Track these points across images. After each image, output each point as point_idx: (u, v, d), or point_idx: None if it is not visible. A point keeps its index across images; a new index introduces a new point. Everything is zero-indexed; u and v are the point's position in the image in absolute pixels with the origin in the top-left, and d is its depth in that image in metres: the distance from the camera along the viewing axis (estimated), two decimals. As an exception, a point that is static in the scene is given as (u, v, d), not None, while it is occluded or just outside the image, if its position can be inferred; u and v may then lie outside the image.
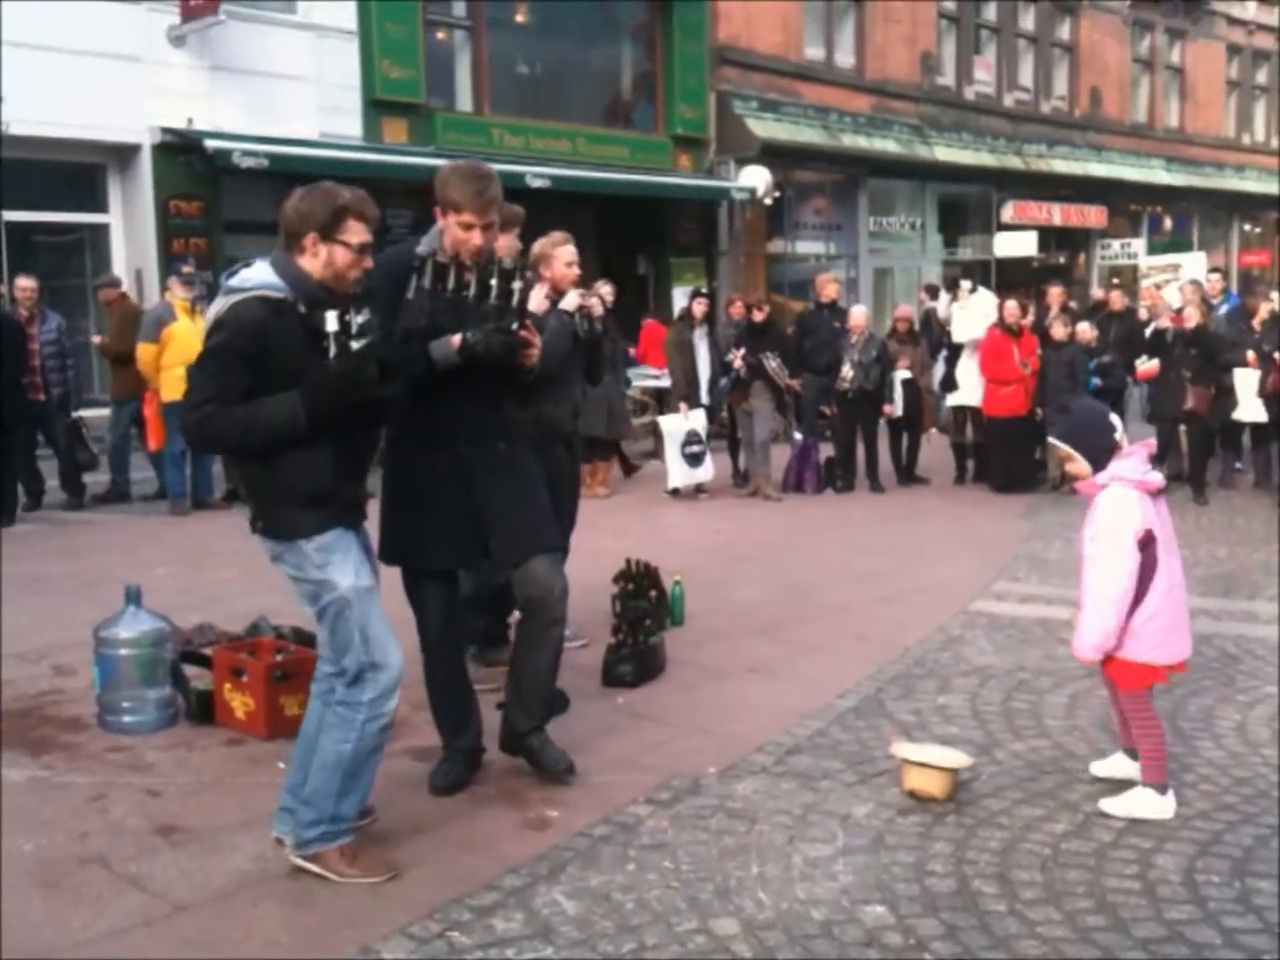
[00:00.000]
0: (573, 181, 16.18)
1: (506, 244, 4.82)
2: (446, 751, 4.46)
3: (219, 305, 3.57)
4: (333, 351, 3.48)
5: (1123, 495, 4.10)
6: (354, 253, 3.57)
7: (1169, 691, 5.36)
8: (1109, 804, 4.14)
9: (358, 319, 3.51)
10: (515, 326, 4.10)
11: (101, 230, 14.49)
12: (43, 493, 10.57)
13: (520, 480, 4.35)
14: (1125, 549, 4.05)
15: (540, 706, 4.46)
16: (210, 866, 3.77)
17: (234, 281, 3.56)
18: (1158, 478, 4.13)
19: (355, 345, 3.49)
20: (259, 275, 3.55)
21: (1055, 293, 12.77)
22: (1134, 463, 4.13)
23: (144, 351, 10.28)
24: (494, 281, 4.06)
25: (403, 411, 3.87)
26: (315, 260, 3.56)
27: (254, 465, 3.65)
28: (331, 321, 3.48)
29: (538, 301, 4.81)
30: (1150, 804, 4.10)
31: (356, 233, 3.57)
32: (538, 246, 5.88)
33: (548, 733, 4.48)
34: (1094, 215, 26.17)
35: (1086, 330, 11.71)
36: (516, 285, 4.12)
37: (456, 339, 4.02)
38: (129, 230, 14.37)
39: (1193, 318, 10.96)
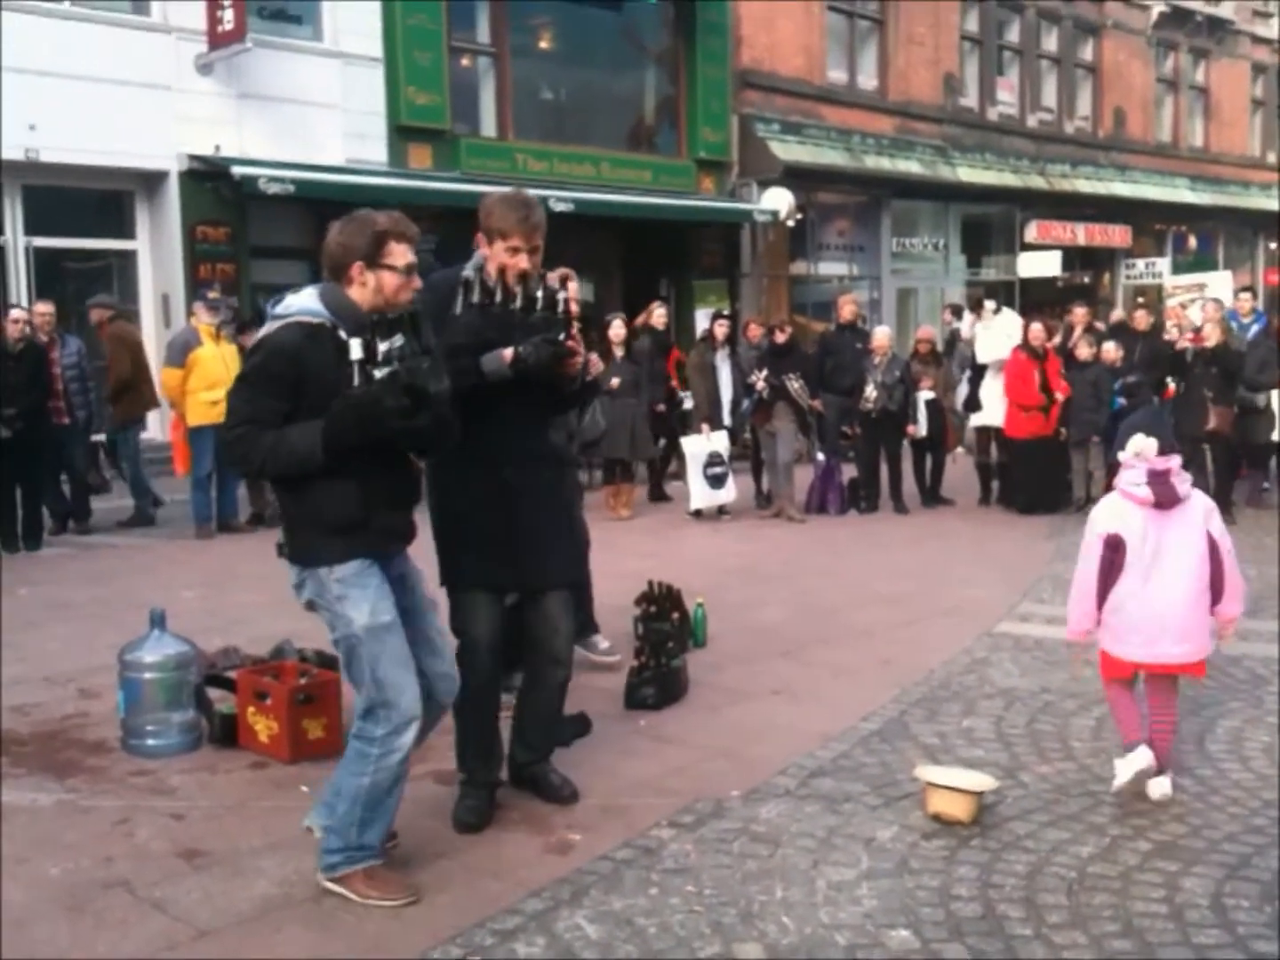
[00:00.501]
0: (595, 205, 16.26)
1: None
2: (469, 786, 4.34)
3: (260, 331, 3.64)
4: (356, 379, 3.45)
5: (1106, 501, 4.62)
6: (401, 274, 3.60)
7: (1196, 714, 5.33)
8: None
9: (383, 345, 3.47)
10: (562, 336, 4.13)
11: (129, 256, 14.66)
12: (68, 516, 10.64)
13: (555, 510, 4.37)
14: (1089, 545, 4.53)
15: (540, 741, 4.48)
16: (234, 890, 3.78)
17: (278, 309, 3.62)
18: (1144, 493, 4.38)
19: (379, 374, 3.45)
20: (300, 302, 3.59)
21: (1080, 313, 12.73)
22: (1131, 475, 4.46)
23: (169, 376, 10.36)
24: (539, 294, 4.12)
25: (453, 440, 3.81)
26: (365, 289, 3.59)
27: (285, 490, 3.69)
28: (356, 349, 3.46)
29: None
30: (1123, 766, 4.40)
31: (400, 255, 3.59)
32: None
33: (551, 762, 4.50)
34: (1118, 235, 26.11)
35: (1111, 350, 11.65)
36: (562, 296, 4.19)
37: (509, 352, 4.06)
38: (156, 256, 14.52)
39: (1213, 336, 10.90)
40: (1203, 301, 13.73)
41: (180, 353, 10.30)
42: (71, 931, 3.53)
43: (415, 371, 3.45)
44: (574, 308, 4.29)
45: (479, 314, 4.13)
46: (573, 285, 4.39)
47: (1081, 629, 4.58)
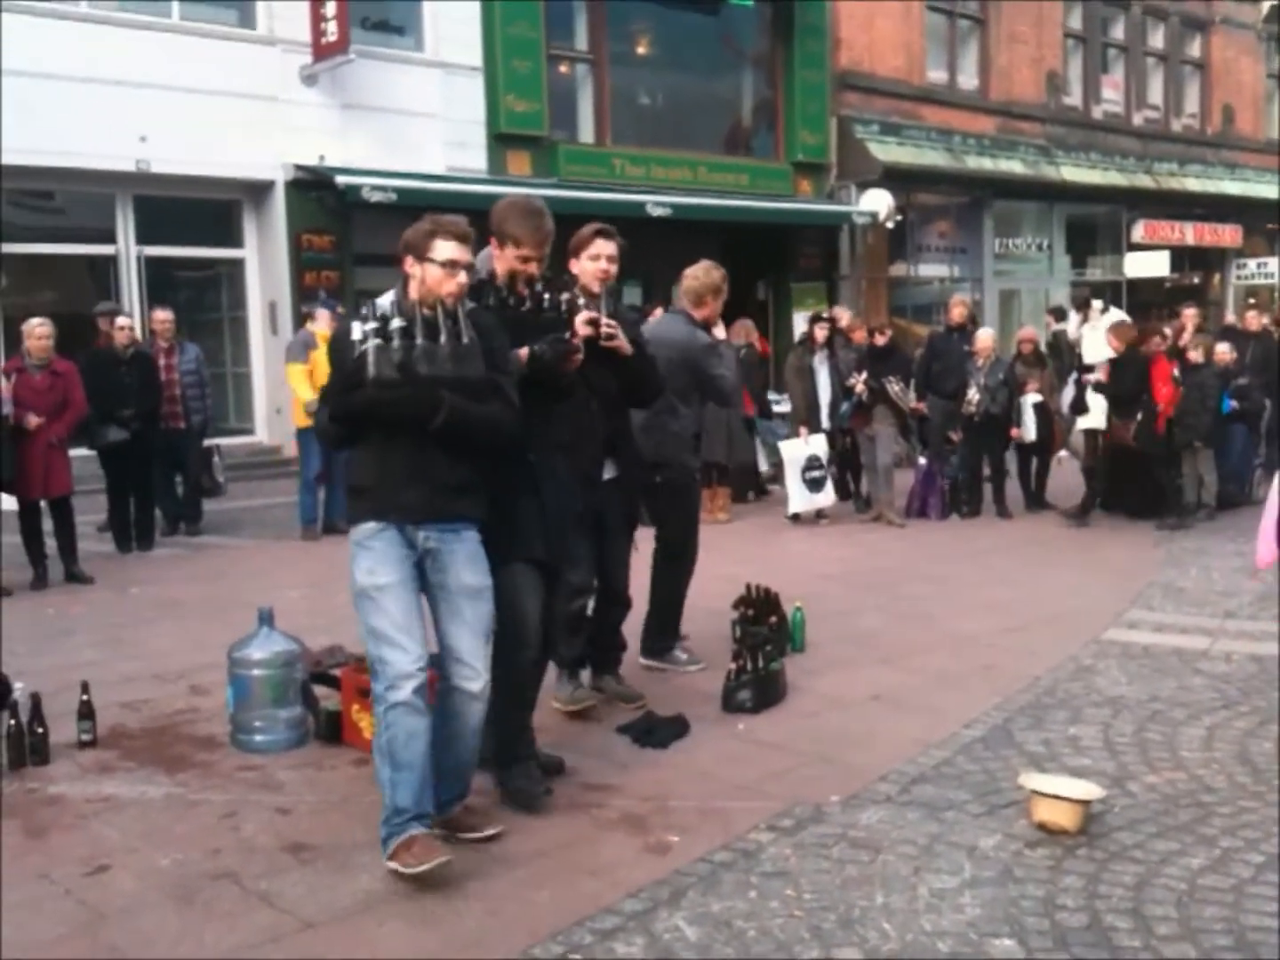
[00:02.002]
0: (692, 210, 16.26)
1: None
2: (524, 763, 4.45)
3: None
4: (358, 360, 3.82)
5: None
6: (440, 268, 3.89)
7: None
8: None
9: (367, 326, 3.82)
10: (568, 335, 4.38)
11: (237, 264, 14.99)
12: (180, 518, 10.90)
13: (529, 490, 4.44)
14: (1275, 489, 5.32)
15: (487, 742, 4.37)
16: (338, 885, 3.83)
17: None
18: None
19: (367, 348, 3.81)
20: (379, 303, 3.96)
21: (1189, 314, 12.43)
22: None
23: (295, 372, 10.49)
24: (546, 296, 4.41)
25: (506, 433, 4.03)
26: (415, 280, 3.94)
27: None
28: (356, 331, 3.85)
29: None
30: None
31: (444, 250, 3.90)
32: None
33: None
34: (1228, 234, 25.47)
35: (1225, 352, 11.36)
36: (564, 297, 4.48)
37: (524, 351, 4.27)
38: (263, 264, 14.83)
39: None
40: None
41: (302, 349, 10.50)
42: (180, 922, 3.61)
43: (404, 350, 3.82)
44: (583, 329, 4.53)
45: (495, 316, 4.28)
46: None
47: (1265, 561, 5.53)
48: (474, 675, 4.00)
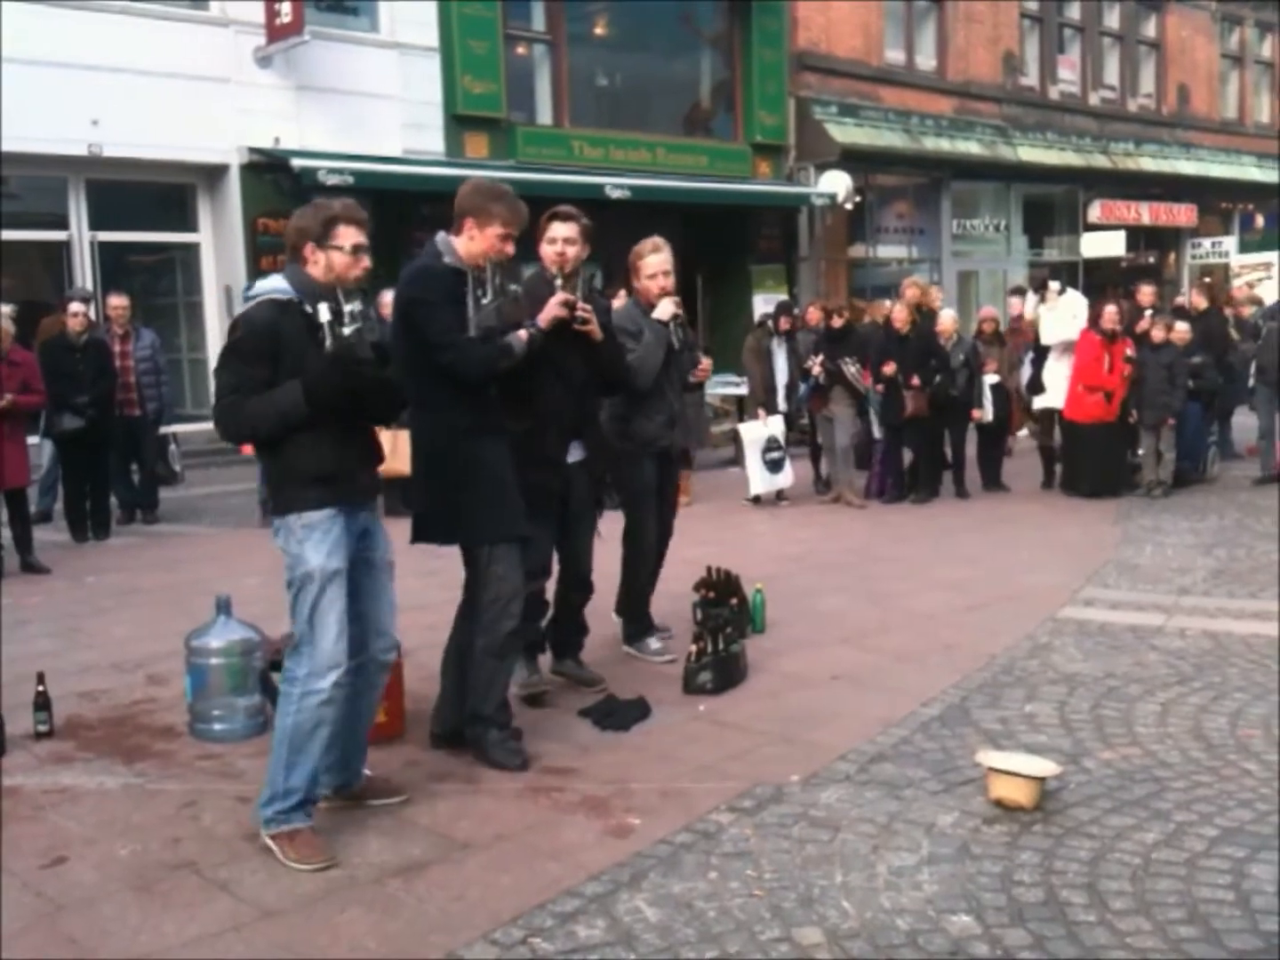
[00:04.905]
0: (651, 191, 16.23)
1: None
2: (506, 732, 4.66)
3: (238, 311, 3.99)
4: (328, 340, 3.79)
5: None
6: (348, 255, 3.91)
7: (1263, 698, 5.25)
8: None
9: (348, 307, 3.82)
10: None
11: (192, 249, 14.85)
12: (136, 506, 10.81)
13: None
14: None
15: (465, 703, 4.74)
16: (298, 872, 3.82)
17: (251, 291, 4.01)
18: None
19: (346, 331, 3.79)
20: (270, 284, 3.96)
21: (1147, 291, 12.50)
22: None
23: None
24: (499, 279, 4.54)
25: (401, 406, 4.26)
26: (317, 266, 3.93)
27: (269, 451, 4.01)
28: (324, 312, 3.80)
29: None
30: None
31: (348, 236, 3.92)
32: (631, 255, 6.03)
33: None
34: (1184, 214, 25.70)
35: (1185, 331, 11.46)
36: (513, 288, 4.65)
37: (524, 333, 4.54)
38: (219, 248, 14.70)
39: None
40: (1273, 281, 13.50)
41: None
42: (139, 912, 3.59)
43: (375, 330, 3.95)
44: (558, 310, 4.74)
45: (492, 303, 4.49)
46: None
47: None
48: (390, 647, 4.23)
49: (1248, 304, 13.96)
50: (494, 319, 4.48)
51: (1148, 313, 11.91)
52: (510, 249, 4.53)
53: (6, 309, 8.80)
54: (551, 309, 4.70)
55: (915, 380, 10.92)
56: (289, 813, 3.91)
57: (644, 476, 6.03)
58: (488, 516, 4.53)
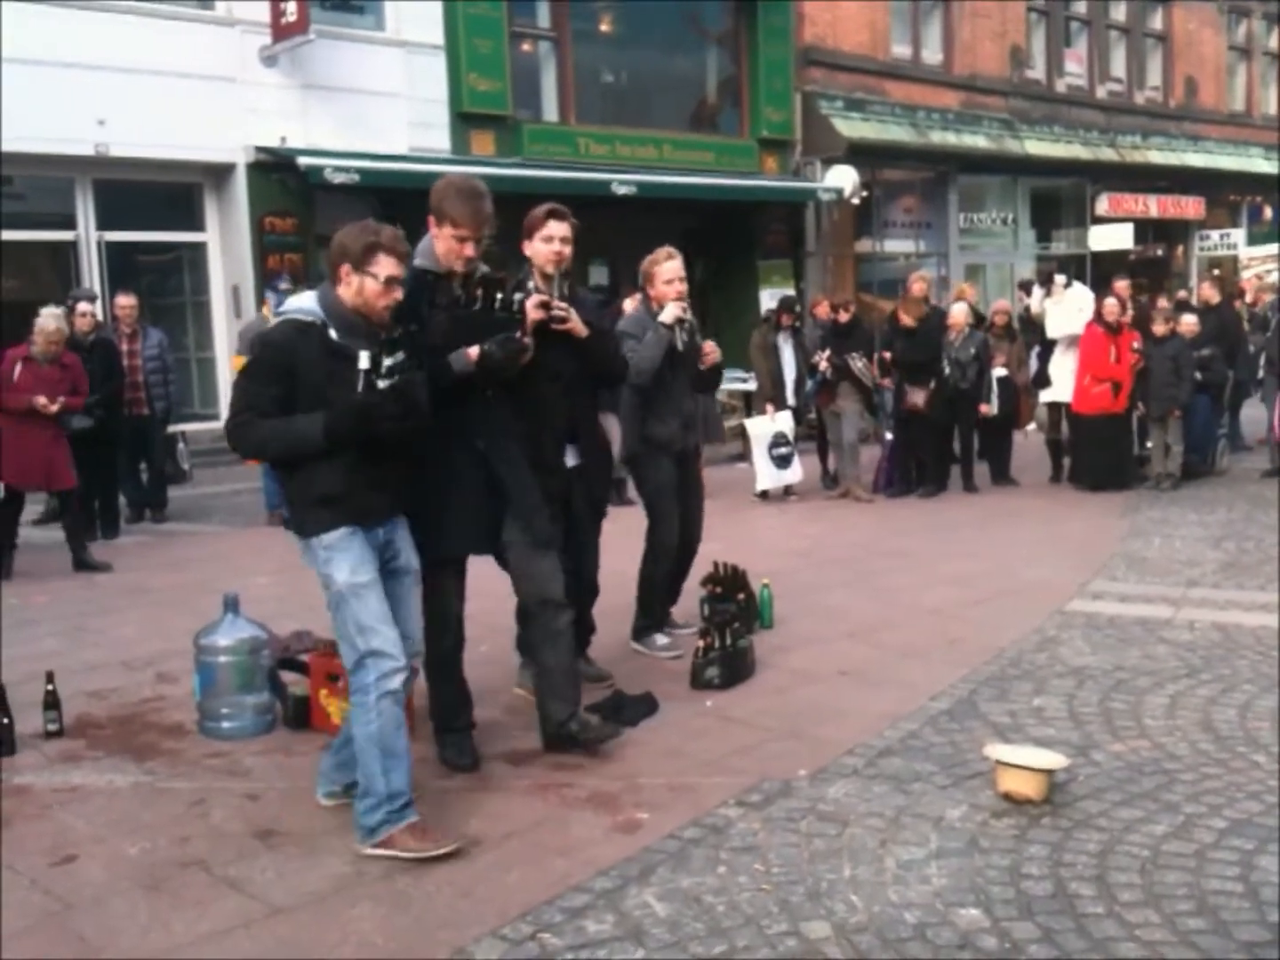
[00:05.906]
0: (658, 188, 16.22)
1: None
2: (456, 734, 4.70)
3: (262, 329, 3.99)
4: (360, 386, 3.79)
5: None
6: (380, 284, 3.88)
7: (1270, 690, 5.24)
8: None
9: (387, 361, 3.83)
10: (519, 334, 4.43)
11: (199, 248, 14.86)
12: (145, 505, 10.83)
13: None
14: None
15: (571, 693, 4.72)
16: (307, 869, 3.83)
17: (280, 308, 4.01)
18: None
19: (382, 385, 3.81)
20: (296, 303, 3.98)
21: (1122, 286, 12.41)
22: None
23: (241, 363, 10.43)
24: (499, 295, 4.40)
25: (422, 435, 4.10)
26: (349, 289, 3.90)
27: (284, 471, 4.04)
28: (364, 360, 3.80)
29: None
30: None
31: (385, 266, 3.88)
32: (644, 264, 6.04)
33: (582, 711, 4.75)
34: (1192, 206, 25.62)
35: (1193, 324, 11.43)
36: (518, 296, 4.48)
37: (474, 351, 4.35)
38: (226, 247, 14.72)
39: None
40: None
41: (250, 342, 10.41)
42: (148, 910, 3.60)
43: (411, 384, 3.88)
44: (535, 313, 4.57)
45: (447, 316, 4.37)
46: (534, 299, 4.66)
47: None
48: (415, 652, 4.22)
49: (1269, 291, 13.92)
50: (439, 336, 4.32)
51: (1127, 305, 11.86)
52: (469, 251, 4.40)
53: (58, 310, 8.78)
54: (529, 313, 4.59)
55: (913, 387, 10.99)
56: (400, 812, 3.91)
57: (662, 475, 6.14)
58: (433, 532, 4.40)
